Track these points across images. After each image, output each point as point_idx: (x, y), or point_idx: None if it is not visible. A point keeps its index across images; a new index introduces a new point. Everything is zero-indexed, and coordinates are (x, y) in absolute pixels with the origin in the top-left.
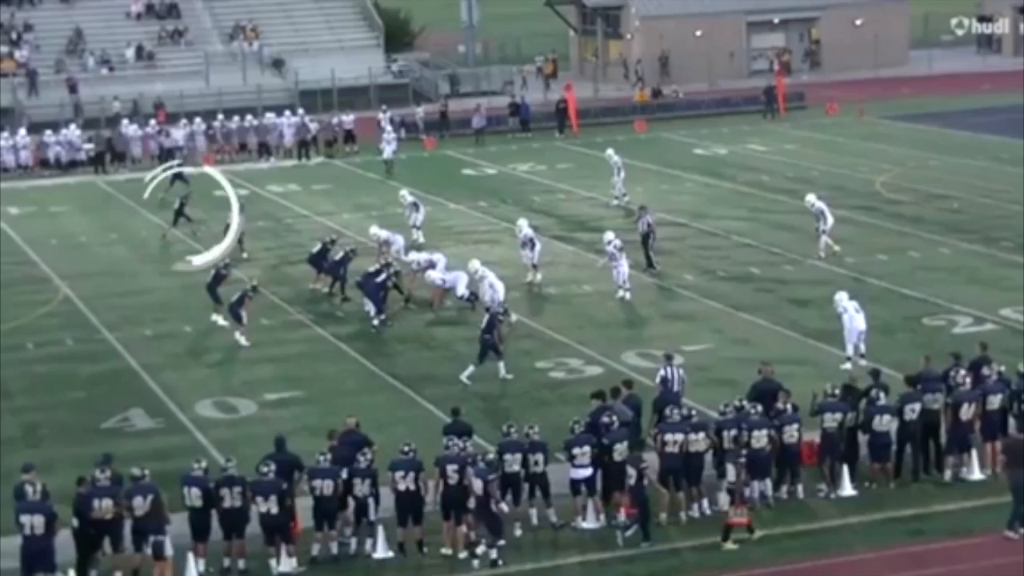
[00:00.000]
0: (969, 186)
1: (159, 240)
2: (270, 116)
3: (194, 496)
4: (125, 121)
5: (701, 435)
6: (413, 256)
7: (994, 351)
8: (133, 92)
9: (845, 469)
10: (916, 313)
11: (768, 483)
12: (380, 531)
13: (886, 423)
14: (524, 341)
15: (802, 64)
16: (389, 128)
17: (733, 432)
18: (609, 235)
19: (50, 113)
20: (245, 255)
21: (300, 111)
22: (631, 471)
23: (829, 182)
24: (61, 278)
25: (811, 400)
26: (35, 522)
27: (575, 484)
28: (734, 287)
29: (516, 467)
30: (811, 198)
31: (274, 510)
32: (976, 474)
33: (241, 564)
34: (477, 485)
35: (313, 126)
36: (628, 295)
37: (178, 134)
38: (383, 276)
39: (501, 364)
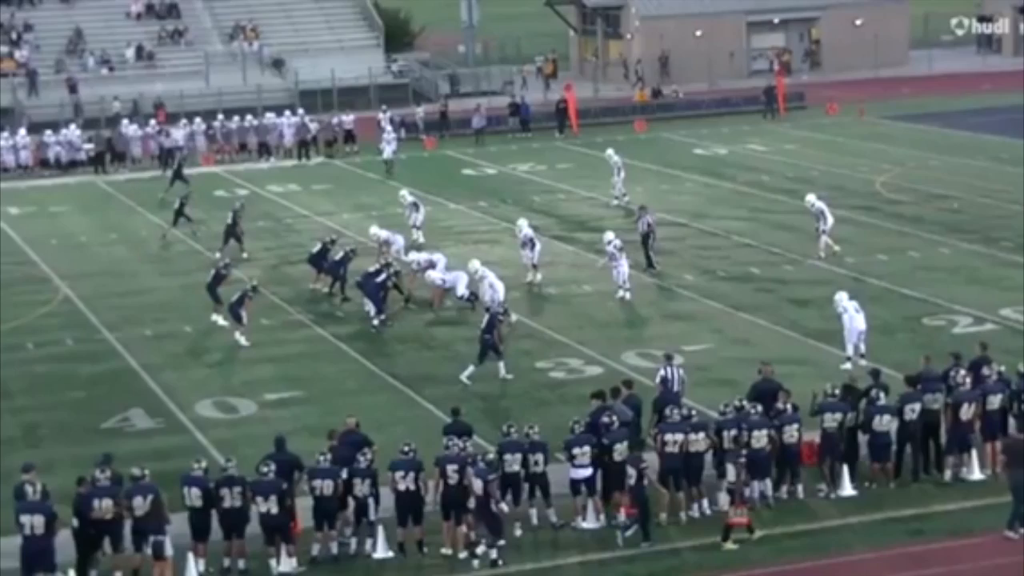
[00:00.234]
0: (969, 186)
1: (159, 240)
2: (270, 116)
3: (194, 496)
4: (125, 121)
5: (701, 435)
6: (413, 256)
7: (994, 351)
8: (133, 92)
9: (845, 469)
10: (916, 313)
11: (768, 483)
12: (380, 531)
13: (886, 423)
14: (524, 341)
15: (802, 64)
16: (389, 128)
17: (733, 432)
18: (609, 235)
19: (50, 113)
20: (245, 255)
21: (300, 111)
22: (631, 471)
23: (829, 182)
24: (61, 278)
25: (811, 400)
26: (35, 522)
27: (575, 484)
28: (734, 287)
29: (516, 467)
30: (811, 198)
31: (274, 510)
32: (976, 474)
33: (241, 564)
34: (477, 485)
35: (313, 126)
36: (628, 295)
37: (178, 134)
38: (383, 276)
39: (501, 364)
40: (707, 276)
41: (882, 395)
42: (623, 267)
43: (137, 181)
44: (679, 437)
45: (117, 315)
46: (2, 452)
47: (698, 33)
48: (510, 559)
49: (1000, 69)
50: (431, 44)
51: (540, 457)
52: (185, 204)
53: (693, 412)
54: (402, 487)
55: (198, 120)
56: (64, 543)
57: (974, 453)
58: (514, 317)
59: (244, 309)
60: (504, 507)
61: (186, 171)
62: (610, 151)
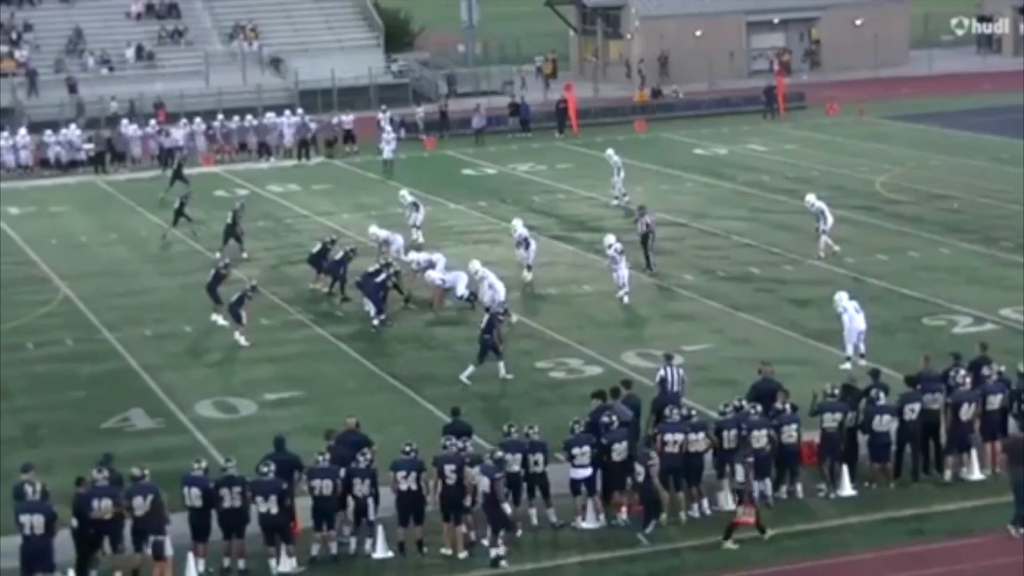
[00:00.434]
0: (969, 186)
1: (159, 240)
2: (270, 116)
3: (194, 496)
4: (125, 121)
5: (701, 435)
6: (413, 256)
7: (994, 351)
8: (133, 92)
9: (845, 469)
10: (916, 313)
11: (768, 483)
12: (380, 531)
13: (886, 423)
14: (524, 341)
15: (802, 64)
16: (388, 128)
17: (733, 432)
18: (609, 239)
19: (50, 113)
20: (245, 255)
21: (299, 111)
22: (639, 468)
23: (829, 182)
24: (61, 278)
25: (811, 400)
26: (35, 522)
27: (575, 484)
28: (734, 287)
29: (516, 467)
30: (811, 198)
31: (274, 510)
32: (976, 474)
33: (241, 564)
34: (484, 483)
35: (312, 126)
36: (627, 298)
37: (178, 134)
38: (383, 276)
39: (501, 364)
40: (707, 276)
41: (882, 395)
42: (623, 271)
43: (137, 181)
44: (679, 437)
45: (117, 315)
46: (2, 452)
47: (698, 33)
48: (510, 559)
49: (1000, 69)
50: (431, 44)
51: (540, 457)
52: (185, 204)
53: (693, 412)
54: (404, 487)
55: (198, 120)
56: (64, 543)
57: (974, 453)
58: (515, 318)
59: (244, 309)
60: (507, 507)
61: (186, 171)
62: (610, 151)
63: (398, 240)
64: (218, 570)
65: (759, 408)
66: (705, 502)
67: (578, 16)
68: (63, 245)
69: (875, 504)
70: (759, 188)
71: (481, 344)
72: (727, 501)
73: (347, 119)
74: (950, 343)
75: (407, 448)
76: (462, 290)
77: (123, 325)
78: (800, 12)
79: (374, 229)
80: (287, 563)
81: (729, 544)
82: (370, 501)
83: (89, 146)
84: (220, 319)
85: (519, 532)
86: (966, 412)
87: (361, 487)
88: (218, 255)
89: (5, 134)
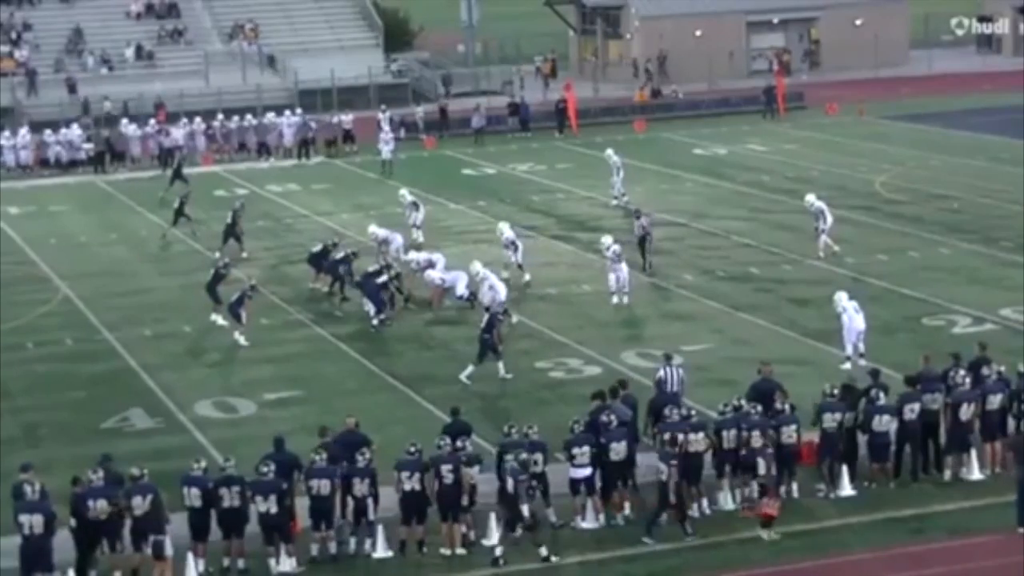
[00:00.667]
0: (969, 186)
1: (159, 240)
2: (270, 116)
3: (193, 496)
4: (124, 121)
5: (700, 435)
6: (413, 256)
7: (994, 351)
8: (133, 92)
9: (844, 469)
10: (916, 313)
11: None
12: (380, 531)
13: (885, 423)
14: (524, 341)
15: (802, 64)
16: (387, 128)
17: (732, 432)
18: (607, 240)
19: (49, 113)
20: (245, 255)
21: (299, 111)
22: (662, 467)
23: (829, 182)
24: (61, 278)
25: (813, 411)
26: (34, 522)
27: (574, 484)
28: (734, 287)
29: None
30: (811, 198)
31: (273, 510)
32: (976, 474)
33: (240, 564)
34: (509, 484)
35: (312, 125)
36: (627, 299)
37: (178, 134)
38: (383, 277)
39: (500, 364)
40: (707, 276)
41: (882, 395)
42: (622, 272)
43: (137, 181)
44: (678, 437)
45: (117, 315)
46: (2, 452)
47: (698, 33)
48: (510, 559)
49: (1000, 69)
50: (431, 44)
51: (539, 457)
52: (185, 203)
53: (692, 412)
54: (408, 487)
55: (198, 120)
56: (63, 543)
57: (973, 453)
58: (515, 318)
59: (244, 309)
60: (526, 511)
61: (186, 171)
62: (609, 151)
63: (397, 239)
64: (218, 570)
65: (759, 408)
66: (705, 502)
67: (578, 16)
68: (63, 245)
69: (875, 504)
70: (759, 188)
71: (481, 344)
72: (727, 501)
73: (347, 119)
74: (950, 343)
75: (412, 449)
76: (462, 290)
77: (123, 325)
78: (800, 12)
79: (373, 228)
80: (287, 563)
81: (772, 534)
82: (369, 501)
83: (89, 146)
84: (220, 319)
85: (539, 530)
86: (965, 412)
87: (360, 487)
88: (217, 255)
89: (6, 134)
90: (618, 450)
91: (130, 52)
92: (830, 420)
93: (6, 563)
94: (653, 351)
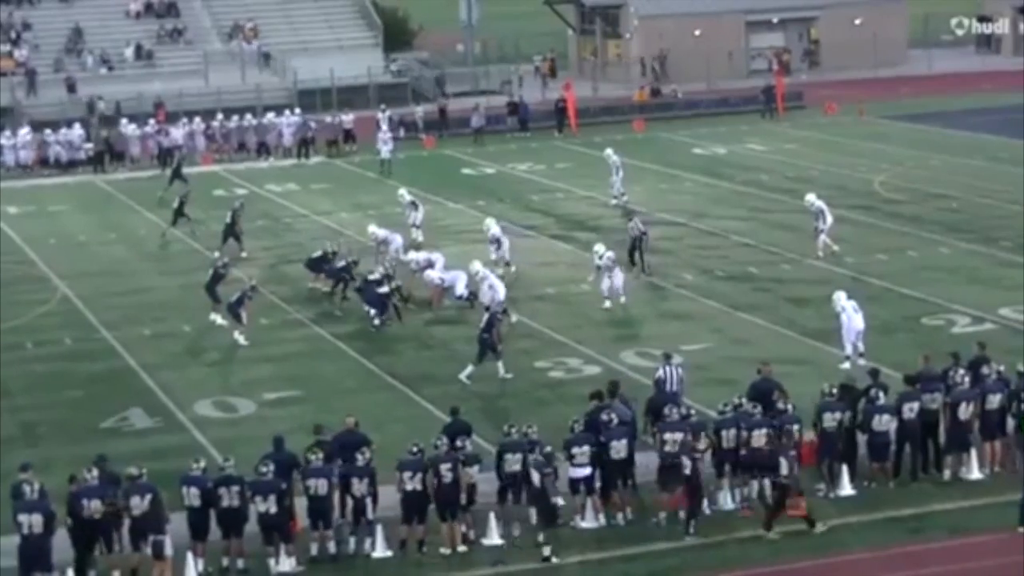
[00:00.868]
0: (968, 186)
1: (159, 239)
2: (269, 116)
3: (192, 496)
4: (124, 120)
5: (700, 434)
6: (412, 256)
7: (993, 351)
8: (132, 91)
9: (844, 469)
10: (915, 313)
11: (767, 482)
12: (379, 530)
13: (885, 423)
14: (523, 341)
15: (801, 64)
16: (386, 128)
17: (732, 432)
18: (600, 248)
19: (49, 112)
20: (244, 254)
21: (298, 110)
22: (686, 462)
23: (828, 182)
24: (60, 277)
25: (814, 411)
26: (33, 521)
27: (574, 483)
28: (733, 287)
29: (516, 467)
30: (811, 197)
31: (272, 510)
32: (975, 473)
33: (240, 564)
34: (535, 477)
35: (312, 125)
36: (623, 299)
37: (177, 133)
38: (385, 288)
39: (500, 364)
40: (706, 276)
41: (881, 395)
42: (617, 279)
43: (136, 180)
44: (678, 436)
45: (116, 314)
46: (1, 451)
47: (697, 33)
48: (510, 559)
49: (1000, 69)
50: (430, 43)
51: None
52: (184, 203)
53: (692, 411)
54: (410, 487)
55: (197, 119)
56: (62, 542)
57: (973, 453)
58: (514, 318)
59: (244, 309)
60: (560, 500)
61: (185, 170)
62: (609, 151)
63: (397, 239)
64: (217, 570)
65: (759, 408)
66: (705, 502)
67: (577, 15)
68: (62, 244)
69: (874, 504)
70: (758, 188)
71: (480, 344)
72: (727, 501)
73: (347, 119)
74: (949, 343)
75: (414, 449)
76: (461, 289)
77: (122, 324)
78: (799, 12)
79: (373, 228)
80: (286, 562)
81: (819, 527)
82: (368, 500)
83: (89, 145)
84: (219, 318)
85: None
86: (964, 411)
87: (359, 486)
88: (217, 254)
89: (6, 133)
90: (619, 448)
91: (129, 52)
92: (830, 420)
93: (5, 563)
94: (652, 350)
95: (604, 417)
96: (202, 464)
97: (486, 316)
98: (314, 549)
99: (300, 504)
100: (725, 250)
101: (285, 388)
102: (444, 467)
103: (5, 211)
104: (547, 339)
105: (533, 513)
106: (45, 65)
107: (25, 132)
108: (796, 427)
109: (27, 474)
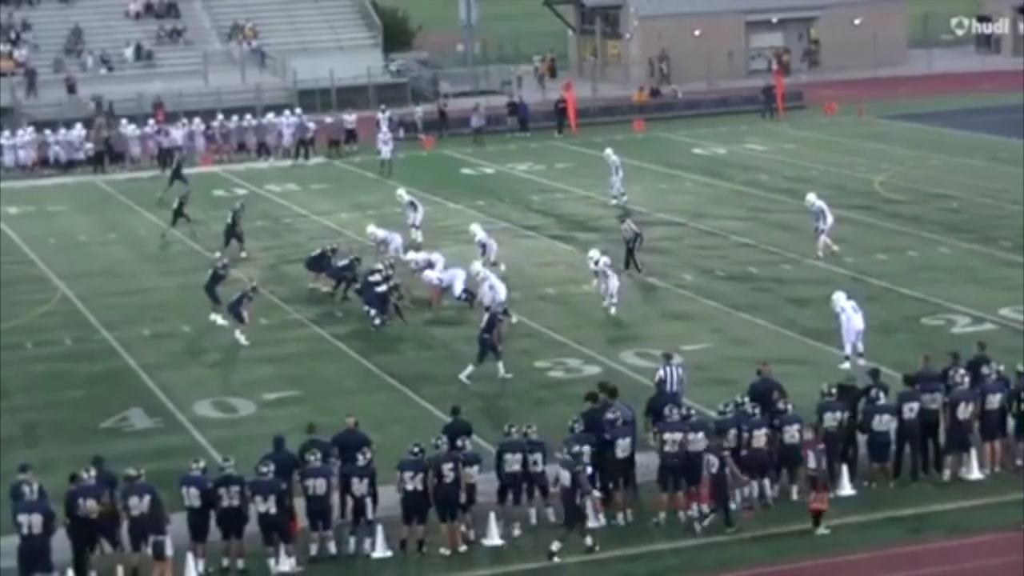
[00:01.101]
0: (968, 186)
1: (159, 240)
2: (269, 116)
3: (192, 496)
4: (124, 121)
5: (700, 435)
6: (412, 256)
7: (993, 351)
8: (132, 92)
9: (844, 469)
10: (915, 313)
11: (767, 482)
12: (379, 530)
13: (885, 423)
14: (523, 341)
15: (801, 64)
16: (386, 128)
17: (733, 431)
18: (594, 254)
19: (49, 113)
20: (244, 255)
21: (298, 111)
22: (713, 459)
23: (828, 182)
24: (60, 277)
25: (815, 412)
26: (33, 521)
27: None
28: (733, 287)
29: (517, 467)
30: (811, 197)
31: (272, 510)
32: (975, 474)
33: (240, 564)
34: (564, 476)
35: (312, 126)
36: (614, 309)
37: (177, 134)
38: (383, 288)
39: (500, 364)
40: (706, 276)
41: (881, 395)
42: (612, 283)
43: (136, 181)
44: (678, 436)
45: (116, 315)
46: (1, 451)
47: (697, 33)
48: (510, 558)
49: (999, 69)
50: (430, 43)
51: (539, 457)
52: (184, 204)
53: (692, 411)
54: (410, 487)
55: (197, 120)
56: (62, 543)
57: (973, 453)
58: (514, 318)
59: (245, 309)
60: (595, 494)
61: (185, 171)
62: (608, 151)
63: (396, 239)
64: (217, 570)
65: (759, 408)
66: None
67: (577, 16)
68: (62, 245)
69: (874, 504)
70: (758, 188)
71: (481, 344)
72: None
73: (350, 119)
74: (949, 343)
75: (415, 449)
76: (459, 289)
77: (122, 325)
78: (799, 12)
79: (372, 228)
80: (286, 563)
81: (821, 530)
82: (368, 500)
83: (89, 146)
84: (219, 319)
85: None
86: (964, 411)
87: (359, 486)
88: (218, 254)
89: (6, 133)
90: (624, 447)
91: (129, 52)
92: (831, 420)
93: (5, 563)
94: (652, 351)
95: (610, 415)
96: (202, 464)
97: (487, 316)
98: (314, 549)
99: (300, 504)
100: (725, 250)
101: (285, 388)
102: (446, 467)
103: (5, 211)
104: (547, 339)
105: (533, 513)
106: (45, 65)
107: (28, 132)
108: (796, 427)
109: (26, 474)
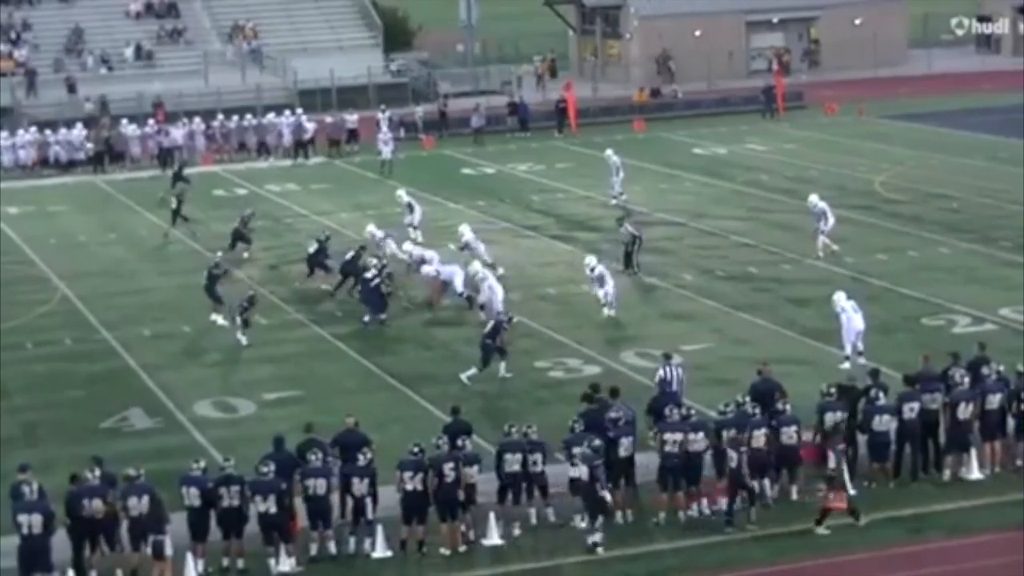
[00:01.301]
0: (968, 186)
1: (161, 239)
2: (270, 116)
3: (192, 496)
4: (124, 121)
5: (700, 435)
6: (408, 247)
7: (993, 351)
8: (132, 91)
9: (844, 469)
10: (915, 313)
11: (767, 482)
12: (379, 530)
13: (885, 423)
14: (523, 341)
15: (801, 64)
16: (386, 128)
17: (733, 432)
18: (591, 260)
19: (49, 113)
20: (246, 255)
21: (299, 111)
22: (732, 454)
23: (828, 182)
24: (60, 277)
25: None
26: (33, 521)
27: (574, 483)
28: (733, 287)
29: (516, 467)
30: (814, 198)
31: (272, 510)
32: (975, 474)
33: (240, 564)
34: (583, 470)
35: (311, 126)
36: (612, 311)
37: (177, 134)
38: (376, 280)
39: (502, 364)
40: (706, 276)
41: (881, 395)
42: (609, 288)
43: (136, 181)
44: (678, 437)
45: (116, 315)
46: (1, 451)
47: (697, 33)
48: (510, 558)
49: (999, 69)
50: (430, 43)
51: (539, 457)
52: (182, 203)
53: (692, 411)
54: (410, 487)
55: (197, 120)
56: (62, 543)
57: (973, 453)
58: (515, 318)
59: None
60: (607, 495)
61: (186, 171)
62: (609, 151)
63: (390, 244)
64: (217, 570)
65: (759, 408)
66: (705, 502)
67: (577, 16)
68: (62, 244)
69: (874, 504)
70: (758, 188)
71: (484, 349)
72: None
73: (351, 118)
74: (949, 343)
75: (415, 449)
76: (460, 286)
77: (122, 325)
78: (799, 12)
79: (371, 228)
80: (286, 563)
81: (821, 530)
82: (368, 500)
83: (89, 146)
84: (220, 319)
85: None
86: (964, 411)
87: (359, 486)
88: (219, 255)
89: (5, 133)
90: (627, 446)
91: (129, 52)
92: (831, 419)
93: (5, 563)
94: (652, 351)
95: (613, 415)
96: (202, 464)
97: (491, 323)
98: (314, 549)
99: (300, 504)
100: (725, 250)
101: (285, 388)
102: (447, 467)
103: (5, 211)
104: (547, 339)
105: (532, 513)
106: (45, 65)
107: (30, 132)
108: (793, 428)
109: (26, 475)
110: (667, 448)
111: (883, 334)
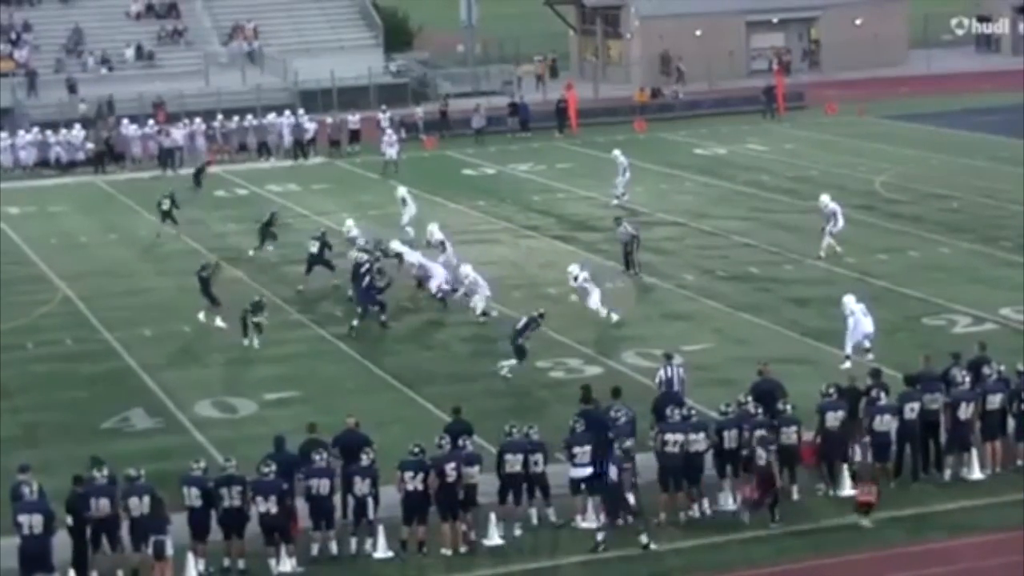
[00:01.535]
0: (969, 186)
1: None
2: (270, 116)
3: (193, 496)
4: (125, 121)
5: (701, 435)
6: (394, 245)
7: (994, 351)
8: (132, 92)
9: (845, 468)
10: (916, 313)
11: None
12: (381, 531)
13: (886, 423)
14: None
15: (801, 64)
16: (389, 129)
17: (734, 432)
18: (574, 269)
19: (49, 113)
20: (251, 252)
21: (300, 111)
22: (761, 452)
23: (828, 182)
24: (60, 278)
25: (817, 412)
26: (34, 522)
27: (575, 483)
28: (734, 287)
29: (518, 468)
30: (825, 199)
31: (273, 510)
32: (976, 474)
33: (241, 564)
34: (613, 472)
35: (311, 126)
36: (612, 315)
37: (178, 134)
38: (367, 279)
39: (506, 363)
40: (707, 276)
41: (882, 395)
42: (594, 297)
43: (137, 181)
44: (679, 437)
45: (116, 315)
46: (2, 452)
47: (697, 33)
48: (510, 559)
49: (1000, 69)
50: (430, 44)
51: (540, 457)
52: (175, 205)
53: (693, 412)
54: (411, 487)
55: (198, 120)
56: (63, 543)
57: (974, 453)
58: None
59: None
60: (632, 496)
61: (185, 171)
62: (616, 152)
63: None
64: (218, 570)
65: (760, 408)
66: (705, 502)
67: (578, 16)
68: (63, 245)
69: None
70: (759, 188)
71: (515, 346)
72: (727, 501)
73: (353, 119)
74: (950, 343)
75: (416, 449)
76: (435, 287)
77: (122, 325)
78: (799, 12)
79: (349, 223)
80: (287, 563)
81: (865, 522)
82: (370, 500)
83: (90, 146)
84: (219, 320)
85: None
86: (964, 411)
87: (361, 486)
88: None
89: (5, 134)
90: (629, 446)
91: (130, 52)
92: (832, 419)
93: (5, 564)
94: (653, 351)
95: (614, 414)
96: (203, 464)
97: (524, 319)
98: (315, 550)
99: (301, 504)
100: (726, 250)
101: (285, 388)
102: (449, 467)
103: (6, 212)
104: (547, 339)
105: (533, 513)
106: (46, 66)
107: (32, 132)
108: (793, 429)
109: (26, 475)
110: (668, 448)
111: (884, 334)
